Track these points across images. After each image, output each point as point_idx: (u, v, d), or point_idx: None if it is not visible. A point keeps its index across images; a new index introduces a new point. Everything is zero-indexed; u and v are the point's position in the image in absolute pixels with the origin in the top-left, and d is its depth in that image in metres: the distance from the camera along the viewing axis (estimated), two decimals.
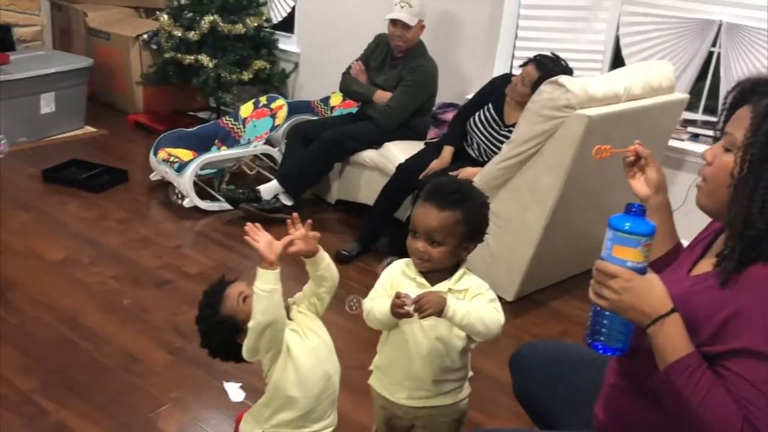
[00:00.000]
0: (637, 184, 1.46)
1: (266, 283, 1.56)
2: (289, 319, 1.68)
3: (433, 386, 1.68)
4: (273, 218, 3.52)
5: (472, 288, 1.63)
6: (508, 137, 2.94)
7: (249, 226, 1.61)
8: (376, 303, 1.62)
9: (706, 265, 1.26)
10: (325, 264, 1.70)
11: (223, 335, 1.65)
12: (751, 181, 1.13)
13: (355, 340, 2.56)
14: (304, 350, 1.64)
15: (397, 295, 1.51)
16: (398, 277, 1.65)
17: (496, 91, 3.19)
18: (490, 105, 3.15)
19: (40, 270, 2.94)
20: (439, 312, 1.49)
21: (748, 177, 1.13)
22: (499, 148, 2.97)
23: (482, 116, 3.17)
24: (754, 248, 1.13)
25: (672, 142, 3.35)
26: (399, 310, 1.50)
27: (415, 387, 1.68)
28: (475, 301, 1.62)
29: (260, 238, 1.58)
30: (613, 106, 2.68)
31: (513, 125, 2.90)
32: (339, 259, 3.19)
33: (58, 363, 2.34)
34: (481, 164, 3.03)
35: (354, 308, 1.88)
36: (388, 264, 1.73)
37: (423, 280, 1.62)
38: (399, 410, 1.73)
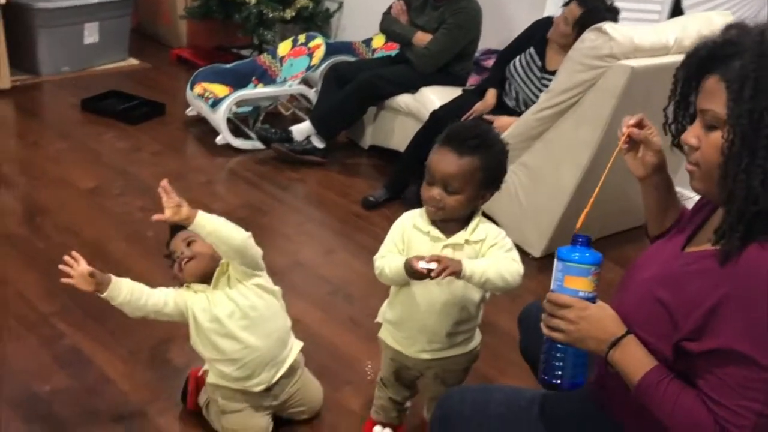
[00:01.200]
0: (632, 164, 1.36)
1: (113, 301, 1.68)
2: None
3: (447, 339, 1.65)
4: (304, 160, 3.49)
5: (488, 237, 1.57)
6: (548, 85, 2.79)
7: (66, 259, 1.63)
8: (388, 261, 1.56)
9: (702, 241, 1.17)
10: (207, 231, 1.60)
11: None
12: (745, 154, 1.02)
13: (373, 288, 2.53)
14: (208, 318, 1.68)
15: (413, 266, 1.44)
16: (410, 231, 1.58)
17: (538, 34, 3.03)
18: (531, 49, 2.99)
19: (70, 197, 2.98)
20: (457, 275, 1.45)
21: (742, 150, 1.02)
22: (539, 97, 2.83)
23: (523, 61, 3.02)
24: (756, 224, 1.03)
25: None
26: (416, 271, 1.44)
27: (429, 340, 1.64)
28: (492, 253, 1.56)
29: (74, 272, 1.62)
30: (659, 58, 2.51)
31: (555, 72, 2.75)
32: (365, 205, 3.15)
33: (79, 288, 2.37)
34: (518, 115, 2.90)
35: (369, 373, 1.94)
36: None
37: (437, 233, 1.55)
38: (410, 362, 1.69)
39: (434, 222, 1.56)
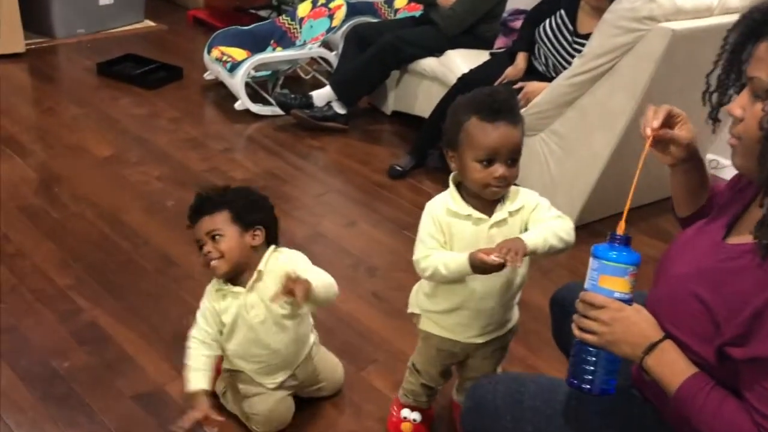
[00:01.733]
0: (660, 156, 1.28)
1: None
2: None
3: (501, 319, 1.59)
4: (325, 126, 3.39)
5: (527, 203, 1.48)
6: (580, 50, 2.65)
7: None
8: (440, 260, 1.43)
9: (743, 231, 1.06)
10: (318, 303, 1.58)
11: None
12: None
13: (396, 261, 2.46)
14: (240, 323, 1.60)
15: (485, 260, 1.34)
16: (446, 219, 1.46)
17: None
18: (562, 11, 2.84)
19: (86, 165, 2.92)
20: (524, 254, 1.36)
21: None
22: (570, 63, 2.69)
23: (553, 24, 2.87)
24: None
25: None
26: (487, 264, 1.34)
27: (485, 324, 1.57)
28: (537, 217, 1.47)
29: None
30: (702, 20, 2.36)
31: (587, 36, 2.60)
32: (391, 175, 3.06)
33: (96, 260, 2.33)
34: (549, 80, 2.77)
35: None
36: None
37: (479, 214, 1.45)
38: (459, 347, 1.61)
39: (469, 202, 1.46)
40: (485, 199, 1.45)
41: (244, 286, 1.58)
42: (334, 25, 3.61)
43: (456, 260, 1.40)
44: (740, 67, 1.07)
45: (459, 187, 1.49)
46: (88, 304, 2.14)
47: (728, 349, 1.00)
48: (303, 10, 3.75)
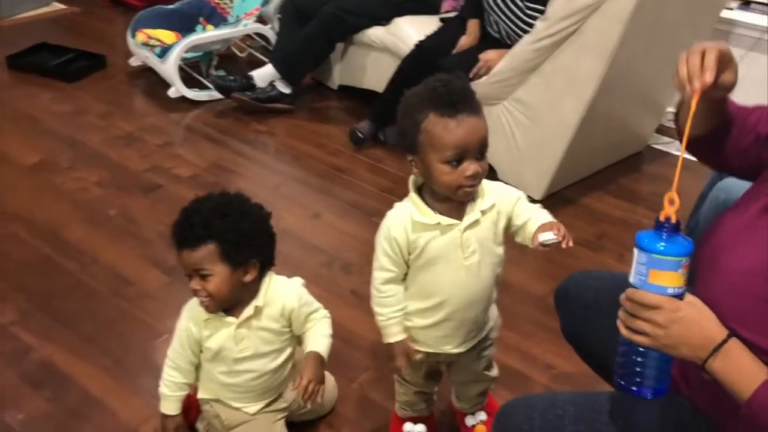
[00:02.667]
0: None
1: None
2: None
3: (484, 320, 1.48)
4: (270, 108, 3.17)
5: (500, 199, 1.34)
6: (534, 16, 2.52)
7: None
8: (383, 313, 1.40)
9: None
10: None
11: None
12: None
13: (369, 251, 2.31)
14: (224, 355, 1.45)
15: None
16: (412, 236, 1.30)
17: None
18: None
19: (11, 177, 2.62)
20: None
21: None
22: (524, 30, 2.56)
23: None
24: None
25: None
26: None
27: (468, 332, 1.45)
28: (521, 212, 1.35)
29: None
30: None
31: (542, 1, 2.46)
32: (353, 140, 2.96)
33: (39, 288, 2.09)
34: (506, 47, 2.63)
35: None
36: None
37: (449, 220, 1.30)
38: (441, 357, 1.49)
39: (436, 207, 1.30)
40: (454, 201, 1.30)
41: (237, 316, 1.41)
42: None
43: (386, 329, 1.38)
44: None
45: (420, 190, 1.33)
46: (37, 340, 1.91)
47: None
48: None
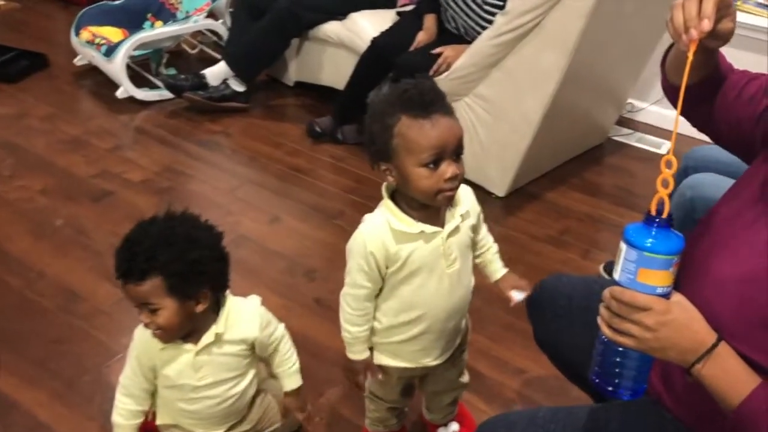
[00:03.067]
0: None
1: None
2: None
3: (461, 329, 1.44)
4: (223, 108, 3.07)
5: (471, 206, 1.32)
6: (492, 12, 2.47)
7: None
8: (350, 331, 1.33)
9: None
10: None
11: None
12: None
13: (333, 255, 2.25)
14: (182, 383, 1.36)
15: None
16: (393, 249, 1.23)
17: None
18: None
19: None
20: None
21: None
22: (483, 26, 2.51)
23: None
24: None
25: None
26: None
27: (447, 342, 1.40)
28: (483, 235, 1.39)
29: None
30: None
31: None
32: (310, 134, 2.91)
33: None
34: (466, 42, 2.57)
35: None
36: None
37: (432, 228, 1.24)
38: (418, 371, 1.43)
39: (413, 215, 1.24)
40: (431, 208, 1.24)
41: (196, 343, 1.32)
42: None
43: (352, 346, 1.34)
44: None
45: (393, 198, 1.26)
46: None
47: None
48: None
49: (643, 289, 0.90)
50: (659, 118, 3.28)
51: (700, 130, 1.21)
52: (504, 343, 1.98)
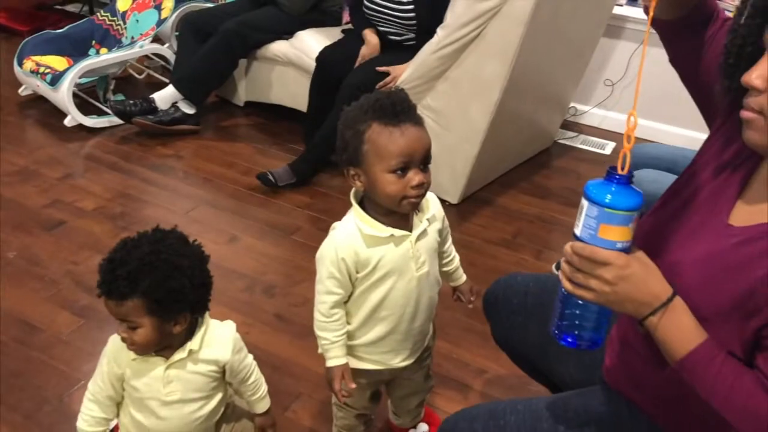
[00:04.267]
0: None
1: None
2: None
3: (428, 331, 1.47)
4: (174, 131, 3.07)
5: (437, 211, 1.37)
6: (408, 11, 2.54)
7: None
8: (324, 337, 1.36)
9: (755, 213, 0.97)
10: None
11: None
12: None
13: (292, 272, 2.27)
14: (149, 394, 1.36)
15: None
16: (364, 254, 1.27)
17: None
18: None
19: None
20: None
21: None
22: (409, 29, 2.60)
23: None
24: None
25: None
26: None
27: (414, 343, 1.43)
28: (448, 242, 1.46)
29: None
30: None
31: (411, 6, 2.50)
32: (263, 182, 2.72)
33: None
34: (409, 48, 2.64)
35: None
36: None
37: (401, 231, 1.28)
38: (386, 374, 1.46)
39: (382, 221, 1.28)
40: (398, 213, 1.28)
41: (168, 357, 1.33)
42: (163, 16, 3.24)
43: (329, 353, 1.36)
44: (760, 29, 0.91)
45: (362, 205, 1.31)
46: None
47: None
48: (124, 3, 3.34)
49: (603, 245, 0.92)
50: (601, 120, 3.40)
51: (679, 68, 1.17)
52: (464, 346, 2.03)
